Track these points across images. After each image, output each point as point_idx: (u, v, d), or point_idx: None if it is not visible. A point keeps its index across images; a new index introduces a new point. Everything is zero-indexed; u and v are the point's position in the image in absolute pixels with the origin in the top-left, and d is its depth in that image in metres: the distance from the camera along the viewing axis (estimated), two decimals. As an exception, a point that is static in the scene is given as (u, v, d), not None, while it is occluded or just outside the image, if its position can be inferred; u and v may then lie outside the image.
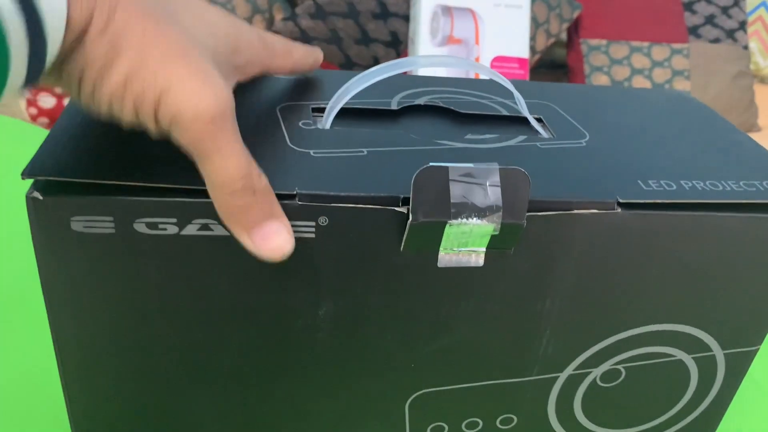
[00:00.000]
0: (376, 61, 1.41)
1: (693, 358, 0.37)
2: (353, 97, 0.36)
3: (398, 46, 1.41)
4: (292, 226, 0.29)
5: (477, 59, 1.36)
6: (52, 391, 0.43)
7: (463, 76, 1.29)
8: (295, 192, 0.29)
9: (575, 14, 1.52)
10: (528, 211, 0.30)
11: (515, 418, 0.38)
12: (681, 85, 1.56)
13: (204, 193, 0.28)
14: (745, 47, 1.62)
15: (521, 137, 0.36)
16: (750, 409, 0.49)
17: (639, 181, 0.33)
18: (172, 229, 0.29)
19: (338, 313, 0.32)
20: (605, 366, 0.37)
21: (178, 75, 0.25)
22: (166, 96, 0.25)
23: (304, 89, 0.39)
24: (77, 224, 0.28)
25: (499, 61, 1.37)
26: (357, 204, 0.29)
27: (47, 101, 1.26)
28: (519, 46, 1.38)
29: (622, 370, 0.37)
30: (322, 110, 0.36)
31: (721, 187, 0.33)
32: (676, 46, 1.57)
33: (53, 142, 0.29)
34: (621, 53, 1.54)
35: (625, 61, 1.54)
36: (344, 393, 0.35)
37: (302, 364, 0.34)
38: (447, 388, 0.36)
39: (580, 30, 1.55)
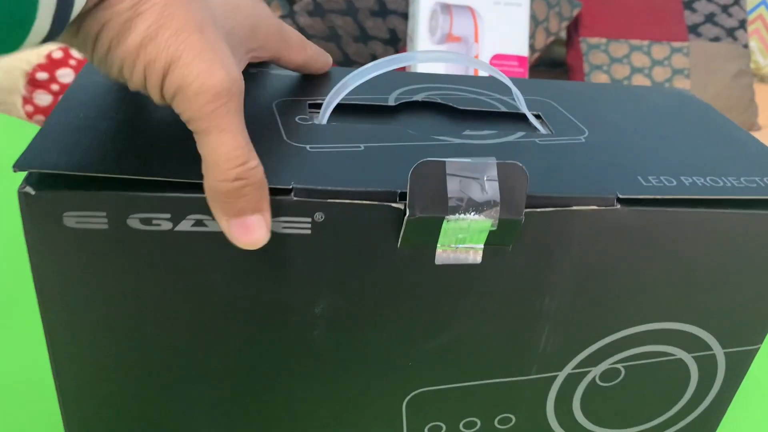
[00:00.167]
0: (375, 59, 1.41)
1: (693, 357, 0.37)
2: (350, 93, 0.36)
3: (397, 43, 1.41)
4: (288, 221, 0.29)
5: (476, 57, 1.35)
6: (45, 389, 0.43)
7: (462, 73, 1.29)
8: (290, 187, 0.29)
9: (575, 12, 1.52)
10: (526, 208, 0.30)
11: (513, 418, 0.38)
12: (681, 83, 1.55)
13: (198, 188, 0.28)
14: (745, 46, 1.62)
15: (520, 133, 0.36)
16: (751, 408, 0.48)
17: (639, 177, 0.33)
18: (166, 225, 0.28)
19: (334, 310, 0.32)
20: (604, 365, 0.36)
21: (190, 48, 0.26)
22: (175, 66, 0.26)
23: (300, 86, 0.38)
24: (70, 220, 0.28)
25: (498, 59, 1.36)
26: (353, 200, 0.29)
27: (43, 99, 1.26)
28: (518, 44, 1.38)
29: (622, 369, 0.37)
30: (318, 106, 0.36)
31: (721, 183, 0.33)
32: (676, 44, 1.57)
33: (46, 136, 0.29)
34: (621, 52, 1.54)
35: (625, 60, 1.54)
36: (341, 391, 0.35)
37: (298, 362, 0.33)
38: (445, 387, 0.36)
39: (579, 28, 1.55)
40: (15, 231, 0.57)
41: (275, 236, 0.29)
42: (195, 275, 0.30)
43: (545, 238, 0.31)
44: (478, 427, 0.38)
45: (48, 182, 0.27)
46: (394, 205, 0.29)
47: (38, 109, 1.26)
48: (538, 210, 0.30)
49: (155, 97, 0.27)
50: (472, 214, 0.29)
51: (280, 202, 0.28)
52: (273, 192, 0.28)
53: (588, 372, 0.37)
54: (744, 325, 0.36)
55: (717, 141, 0.38)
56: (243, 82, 0.27)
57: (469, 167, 0.29)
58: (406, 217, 0.29)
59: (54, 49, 1.26)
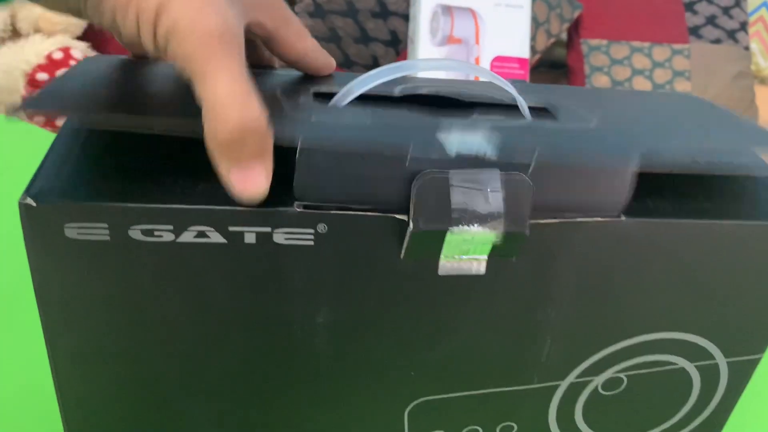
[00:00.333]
0: (375, 60, 1.41)
1: (695, 366, 0.37)
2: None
3: (397, 45, 1.41)
4: (290, 233, 0.29)
5: (477, 59, 1.35)
6: (46, 398, 0.43)
7: (462, 77, 1.29)
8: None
9: (576, 14, 1.52)
10: (531, 219, 0.30)
11: (515, 426, 0.38)
12: (681, 85, 1.55)
13: (201, 200, 0.27)
14: (746, 48, 1.61)
15: (528, 120, 0.35)
16: (752, 418, 0.48)
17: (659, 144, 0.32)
18: (168, 236, 0.28)
19: (337, 321, 0.32)
20: (607, 374, 0.36)
21: None
22: (167, 5, 0.25)
23: (299, 85, 0.38)
24: (71, 231, 0.28)
25: (499, 61, 1.36)
26: (357, 211, 0.29)
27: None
28: (519, 46, 1.37)
29: (624, 378, 0.37)
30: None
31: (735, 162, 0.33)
32: (677, 46, 1.56)
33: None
34: (621, 53, 1.54)
35: (626, 62, 1.53)
36: (343, 401, 0.35)
37: (300, 373, 0.33)
38: (447, 396, 0.36)
39: (580, 30, 1.55)
40: (15, 231, 0.57)
41: (278, 247, 0.29)
42: (197, 286, 0.30)
43: (548, 249, 0.31)
44: (480, 436, 0.38)
45: (49, 194, 0.27)
46: (397, 216, 0.29)
47: (38, 110, 1.26)
48: (542, 222, 0.30)
49: (149, 45, 0.26)
50: (476, 226, 0.29)
51: (283, 213, 0.28)
52: (274, 203, 0.28)
53: (590, 381, 0.36)
54: (747, 334, 0.36)
55: (727, 125, 0.37)
56: (240, 28, 0.26)
57: (473, 179, 0.29)
58: (409, 230, 0.29)
59: (54, 49, 1.26)
